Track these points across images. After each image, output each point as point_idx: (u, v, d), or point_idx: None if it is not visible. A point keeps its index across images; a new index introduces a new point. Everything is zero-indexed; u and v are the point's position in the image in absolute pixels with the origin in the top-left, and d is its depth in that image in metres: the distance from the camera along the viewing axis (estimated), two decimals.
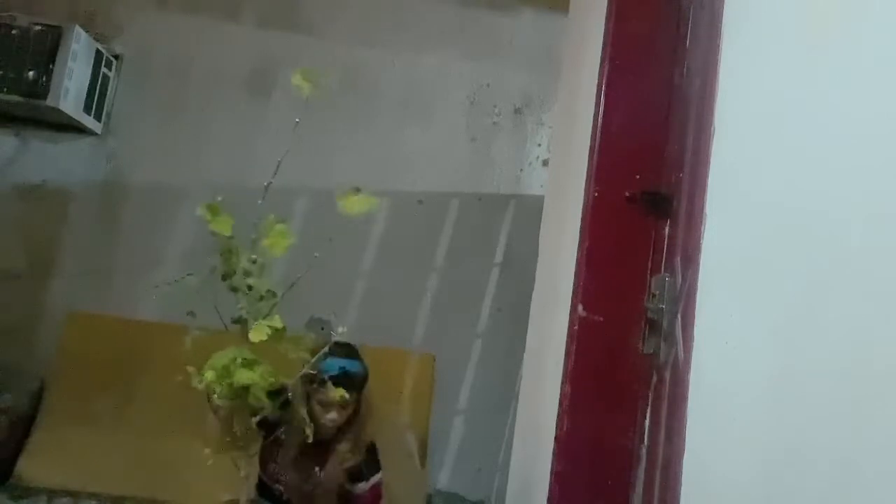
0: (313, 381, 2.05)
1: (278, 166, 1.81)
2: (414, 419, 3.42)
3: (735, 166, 1.21)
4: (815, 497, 0.90)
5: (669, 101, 1.67)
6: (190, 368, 1.74)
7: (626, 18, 1.76)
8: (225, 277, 1.78)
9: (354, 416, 2.24)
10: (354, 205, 1.78)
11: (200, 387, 1.74)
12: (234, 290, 1.78)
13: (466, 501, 3.56)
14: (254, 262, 1.75)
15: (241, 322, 1.77)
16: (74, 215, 3.60)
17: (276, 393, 1.83)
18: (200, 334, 1.76)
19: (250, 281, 1.76)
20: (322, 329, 2.02)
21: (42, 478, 3.01)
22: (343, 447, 2.23)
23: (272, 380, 1.76)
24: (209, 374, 1.71)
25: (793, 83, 1.09)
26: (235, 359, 1.72)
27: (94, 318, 3.42)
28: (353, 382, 2.18)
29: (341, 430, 2.23)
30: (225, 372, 1.72)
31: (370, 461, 2.31)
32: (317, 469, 2.23)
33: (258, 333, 1.69)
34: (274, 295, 1.77)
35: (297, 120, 1.77)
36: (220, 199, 1.80)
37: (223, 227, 1.77)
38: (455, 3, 3.83)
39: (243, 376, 1.71)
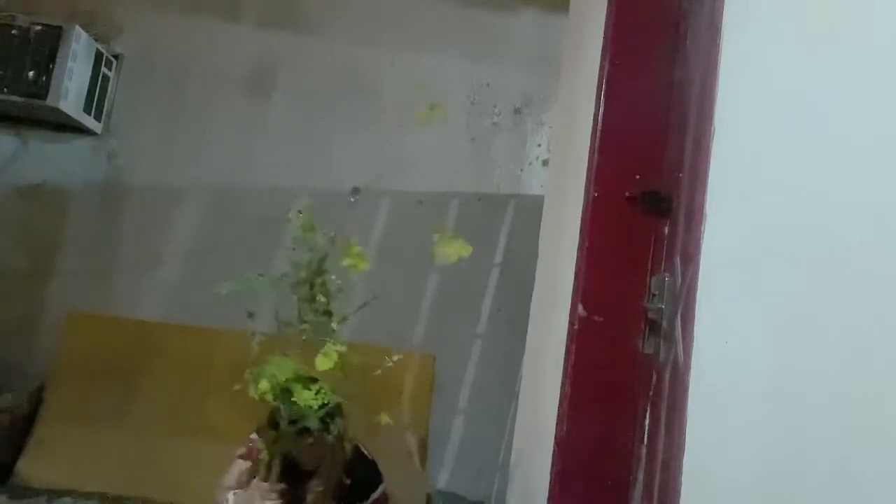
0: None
1: (353, 191, 1.82)
2: (414, 419, 3.42)
3: (735, 166, 1.21)
4: (815, 497, 0.90)
5: (669, 101, 1.67)
6: (248, 374, 1.74)
7: (626, 18, 1.76)
8: (296, 287, 1.78)
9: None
10: (450, 250, 1.81)
11: (254, 396, 1.73)
12: (304, 301, 1.78)
13: (466, 501, 3.56)
14: (324, 283, 1.75)
15: (301, 331, 1.77)
16: (74, 215, 3.60)
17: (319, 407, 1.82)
18: (261, 338, 1.76)
19: (323, 298, 1.76)
20: None
21: (42, 478, 3.00)
22: (321, 482, 2.11)
23: (324, 400, 1.76)
24: (263, 385, 1.72)
25: (793, 83, 1.09)
26: (296, 375, 1.71)
27: (94, 318, 3.42)
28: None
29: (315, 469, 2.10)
30: (283, 386, 1.72)
31: (367, 476, 2.15)
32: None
33: (326, 362, 1.69)
34: (344, 318, 1.78)
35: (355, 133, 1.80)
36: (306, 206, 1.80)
37: (317, 238, 1.78)
38: (455, 3, 3.83)
39: (303, 396, 1.72)
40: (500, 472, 3.46)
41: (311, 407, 1.75)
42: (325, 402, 1.78)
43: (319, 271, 1.78)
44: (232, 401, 2.05)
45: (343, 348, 1.73)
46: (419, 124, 1.79)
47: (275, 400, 1.75)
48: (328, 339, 1.75)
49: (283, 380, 1.71)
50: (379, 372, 1.84)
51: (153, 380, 3.29)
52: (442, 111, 1.78)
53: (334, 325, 1.77)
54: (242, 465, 2.08)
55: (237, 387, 1.75)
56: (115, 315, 3.45)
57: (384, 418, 1.86)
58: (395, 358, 1.85)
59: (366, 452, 2.18)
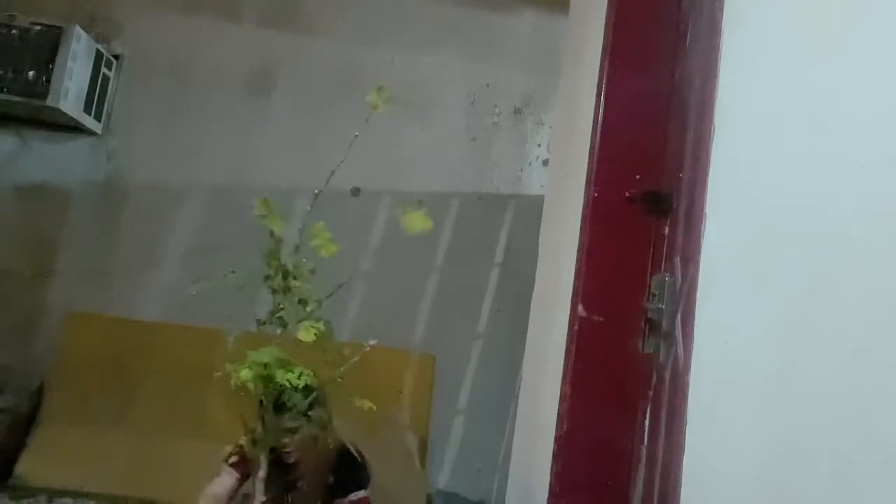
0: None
1: (332, 174, 1.82)
2: (414, 419, 3.42)
3: (735, 166, 1.21)
4: (815, 497, 0.90)
5: (669, 101, 1.67)
6: (228, 366, 1.74)
7: (626, 18, 1.76)
8: (269, 278, 1.78)
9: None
10: (415, 222, 1.80)
11: (236, 383, 1.73)
12: (275, 291, 1.78)
13: (466, 501, 3.56)
14: (296, 266, 1.75)
15: (280, 323, 1.77)
16: (74, 215, 3.60)
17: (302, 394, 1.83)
18: (241, 335, 1.76)
19: (295, 283, 1.75)
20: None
21: (42, 478, 3.00)
22: (305, 480, 2.09)
23: (307, 382, 1.77)
24: (245, 373, 1.72)
25: (793, 82, 1.09)
26: (275, 359, 1.72)
27: (94, 318, 3.42)
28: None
29: (298, 462, 2.08)
30: (263, 370, 1.72)
31: (351, 477, 2.17)
32: (288, 497, 2.12)
33: (306, 334, 1.69)
34: (319, 303, 1.78)
35: (356, 134, 1.80)
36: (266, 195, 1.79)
37: (277, 225, 1.77)
38: (455, 3, 3.83)
39: (283, 377, 1.72)
40: (500, 472, 3.46)
41: (294, 387, 1.76)
42: (308, 383, 1.78)
43: (277, 256, 1.77)
44: (231, 401, 2.05)
45: (321, 326, 1.73)
46: (406, 229, 1.78)
47: (256, 387, 1.75)
48: (306, 322, 1.74)
49: (265, 364, 1.71)
50: (355, 359, 1.84)
51: (153, 380, 3.29)
52: (428, 222, 1.78)
53: (309, 308, 1.77)
54: (230, 478, 2.08)
55: (217, 374, 1.75)
56: (115, 315, 3.45)
57: (366, 404, 1.86)
58: (372, 342, 1.85)
59: (356, 455, 2.17)
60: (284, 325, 1.77)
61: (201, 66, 3.71)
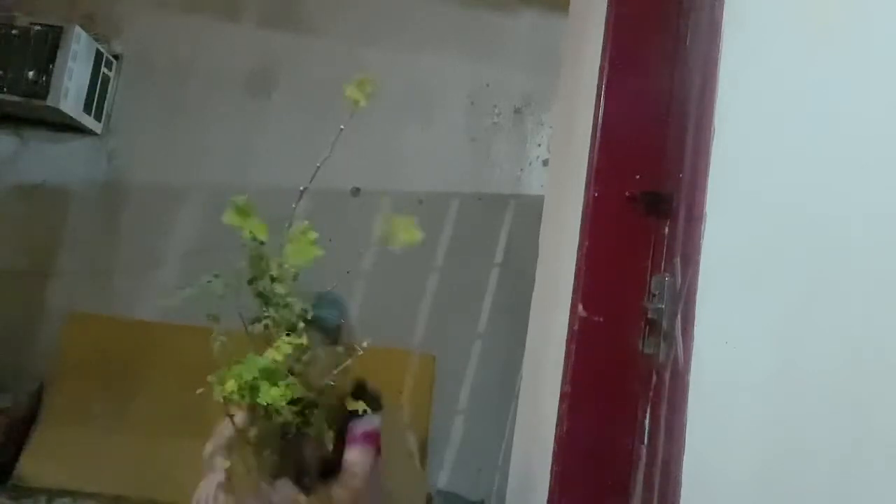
0: None
1: (316, 171, 1.80)
2: (414, 419, 3.42)
3: (735, 166, 1.21)
4: (815, 497, 0.90)
5: (669, 101, 1.67)
6: (210, 378, 1.71)
7: (626, 18, 1.76)
8: (251, 282, 1.75)
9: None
10: (402, 231, 1.76)
11: (220, 398, 1.70)
12: (260, 295, 1.76)
13: (466, 501, 3.56)
14: (280, 268, 1.72)
15: (263, 326, 1.75)
16: (74, 215, 3.60)
17: (294, 401, 1.80)
18: (225, 339, 1.74)
19: (279, 288, 1.73)
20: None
21: (42, 478, 3.01)
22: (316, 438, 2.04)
23: (296, 395, 1.74)
24: (230, 385, 1.69)
25: (793, 82, 1.09)
26: (261, 373, 1.68)
27: (94, 318, 3.42)
28: (323, 328, 1.91)
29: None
30: (249, 387, 1.69)
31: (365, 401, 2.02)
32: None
33: (277, 353, 1.67)
34: (305, 312, 1.75)
35: (341, 127, 1.76)
36: (245, 196, 1.75)
37: (257, 231, 1.73)
38: (455, 3, 3.83)
39: (268, 394, 1.69)
40: (500, 472, 3.46)
41: (280, 404, 1.73)
42: (295, 397, 1.75)
43: (260, 260, 1.75)
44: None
45: (303, 340, 1.70)
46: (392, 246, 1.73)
47: (242, 399, 1.72)
48: (292, 331, 1.72)
49: (251, 378, 1.68)
50: (348, 362, 1.83)
51: (153, 380, 3.29)
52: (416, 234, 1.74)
53: (295, 314, 1.75)
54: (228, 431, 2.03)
55: (199, 390, 1.73)
56: (115, 315, 3.45)
57: (359, 406, 1.84)
58: (364, 344, 1.84)
59: (368, 387, 2.12)
60: (267, 329, 1.74)
61: (201, 66, 3.71)
